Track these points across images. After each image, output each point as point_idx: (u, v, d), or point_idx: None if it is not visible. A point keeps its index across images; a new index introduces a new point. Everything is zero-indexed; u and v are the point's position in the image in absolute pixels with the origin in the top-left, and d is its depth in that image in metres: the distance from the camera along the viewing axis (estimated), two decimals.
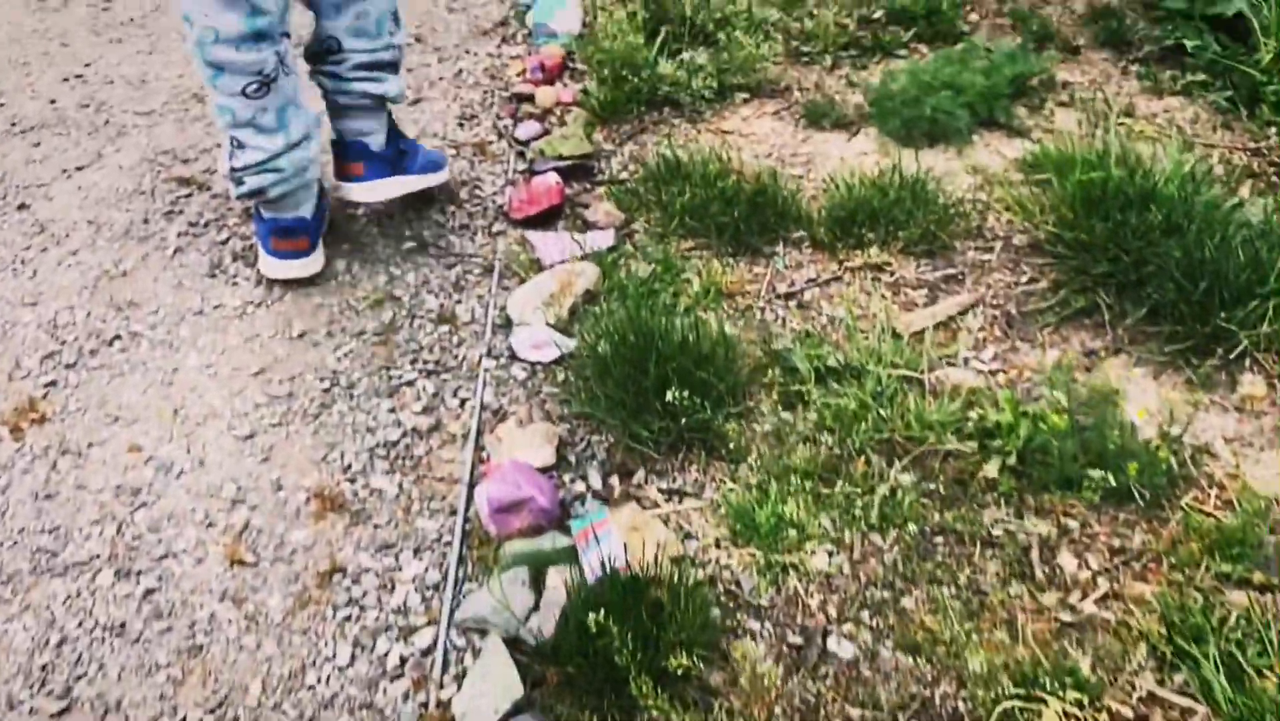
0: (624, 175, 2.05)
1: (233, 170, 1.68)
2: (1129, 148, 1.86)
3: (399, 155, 1.89)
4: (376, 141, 1.84)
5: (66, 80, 2.37)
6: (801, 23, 2.53)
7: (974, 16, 2.57)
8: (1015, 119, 2.14)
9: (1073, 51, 2.40)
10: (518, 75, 2.41)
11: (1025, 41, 2.42)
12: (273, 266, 1.75)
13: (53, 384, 1.57)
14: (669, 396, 1.38)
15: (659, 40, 2.37)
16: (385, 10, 1.79)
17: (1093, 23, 2.48)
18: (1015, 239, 1.84)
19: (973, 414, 1.43)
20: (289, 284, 1.76)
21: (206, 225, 1.89)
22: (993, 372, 1.57)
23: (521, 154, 2.12)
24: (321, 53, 1.77)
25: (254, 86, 1.63)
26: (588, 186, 2.03)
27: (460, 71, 2.43)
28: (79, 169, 2.05)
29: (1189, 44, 2.28)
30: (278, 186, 1.68)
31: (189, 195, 1.97)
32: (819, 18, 2.55)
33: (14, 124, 2.21)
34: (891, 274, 1.79)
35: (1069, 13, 2.53)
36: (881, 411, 1.45)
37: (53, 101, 2.29)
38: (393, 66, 1.82)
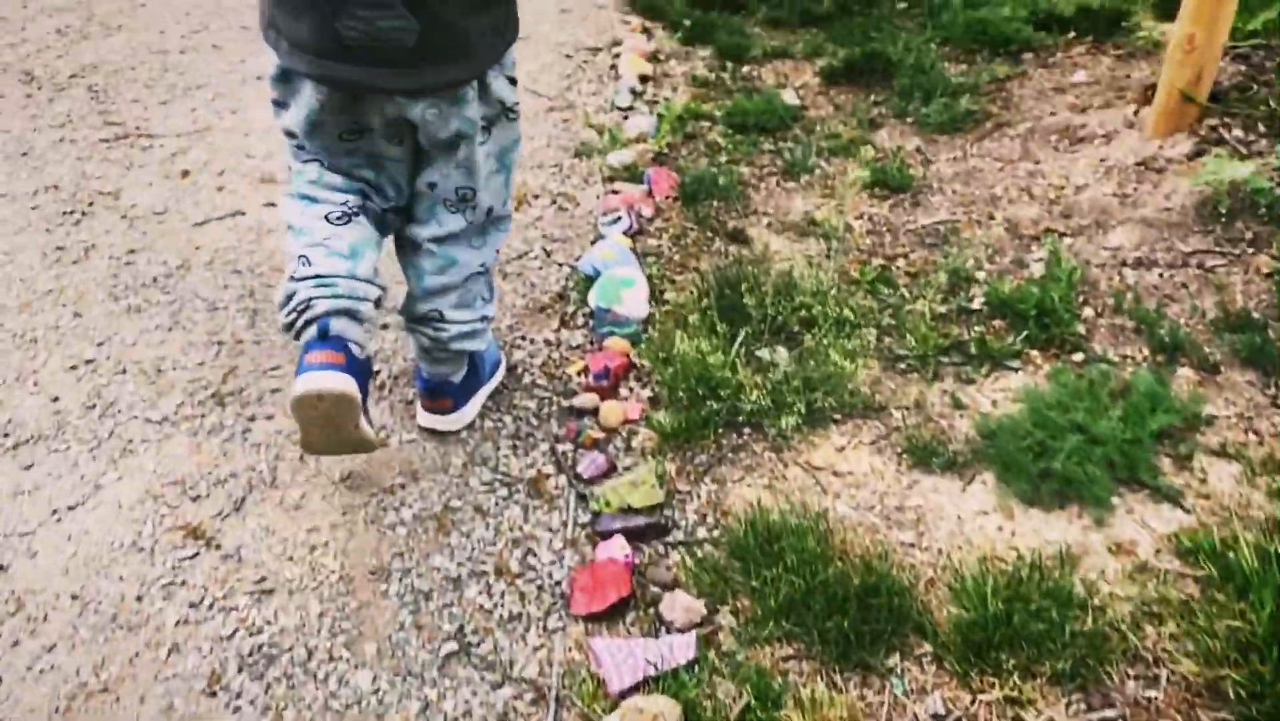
0: (702, 532, 1.75)
1: (290, 278, 1.61)
2: None
3: (473, 370, 1.98)
4: (459, 376, 1.95)
5: (74, 368, 2.12)
6: (895, 316, 2.27)
7: (1088, 311, 2.29)
8: (1161, 475, 1.84)
9: (1211, 370, 2.10)
10: (578, 375, 2.14)
11: (1154, 352, 2.14)
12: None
13: None
14: None
15: (736, 343, 2.10)
16: (484, 283, 1.89)
17: (1229, 331, 2.19)
18: (1185, 667, 1.50)
19: None
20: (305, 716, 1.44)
21: (210, 607, 1.59)
22: None
23: (583, 498, 1.83)
24: (422, 319, 1.84)
25: (338, 215, 1.64)
26: (661, 550, 1.73)
27: (516, 367, 2.17)
28: (71, 508, 1.77)
29: None
30: (325, 302, 1.56)
31: (194, 557, 1.68)
32: (913, 310, 2.28)
33: (7, 434, 1.94)
34: (1037, 712, 1.45)
35: (1199, 314, 2.25)
36: None
37: (55, 399, 2.03)
38: (486, 331, 1.94)
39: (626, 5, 4.40)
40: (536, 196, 2.87)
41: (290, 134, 1.66)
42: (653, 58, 3.86)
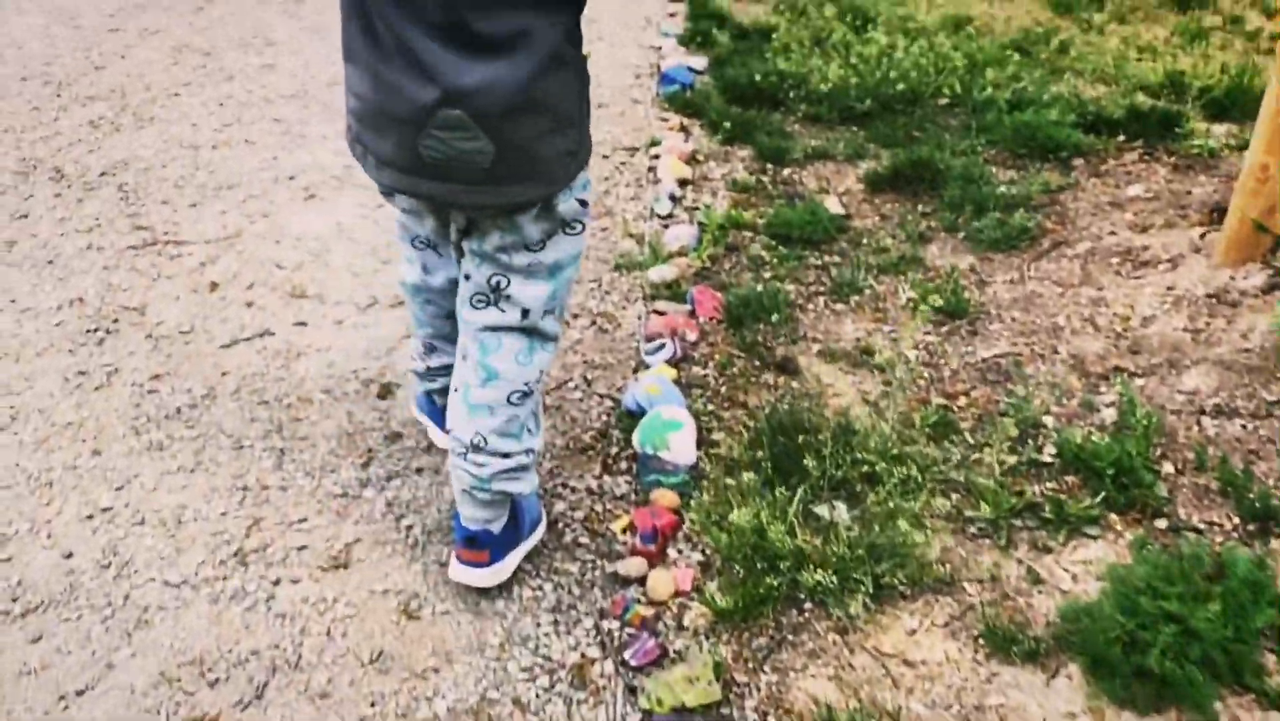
0: None
1: (428, 370, 2.06)
2: None
3: (513, 522, 1.90)
4: (499, 525, 1.86)
5: (90, 517, 2.00)
6: (961, 469, 2.12)
7: (1168, 467, 2.14)
8: (1268, 677, 1.68)
9: None
10: (623, 532, 2.01)
11: (1244, 520, 1.98)
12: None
13: None
14: None
15: (793, 503, 1.96)
16: (531, 410, 1.85)
17: None
18: None
19: None
20: None
21: None
22: None
23: (633, 691, 1.68)
24: (467, 448, 1.80)
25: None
26: None
27: (556, 522, 2.03)
28: (79, 692, 1.64)
29: None
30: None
31: None
32: (979, 461, 2.14)
33: (15, 598, 1.82)
34: None
35: None
36: None
37: (68, 556, 1.91)
38: (529, 468, 1.87)
39: (664, 101, 4.34)
40: (576, 316, 2.76)
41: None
42: (691, 159, 3.78)
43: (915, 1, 5.99)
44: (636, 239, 3.19)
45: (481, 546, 1.84)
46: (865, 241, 3.16)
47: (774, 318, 2.70)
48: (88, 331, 2.60)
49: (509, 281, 1.72)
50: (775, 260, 3.05)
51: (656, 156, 3.77)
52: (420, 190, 1.60)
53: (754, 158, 3.81)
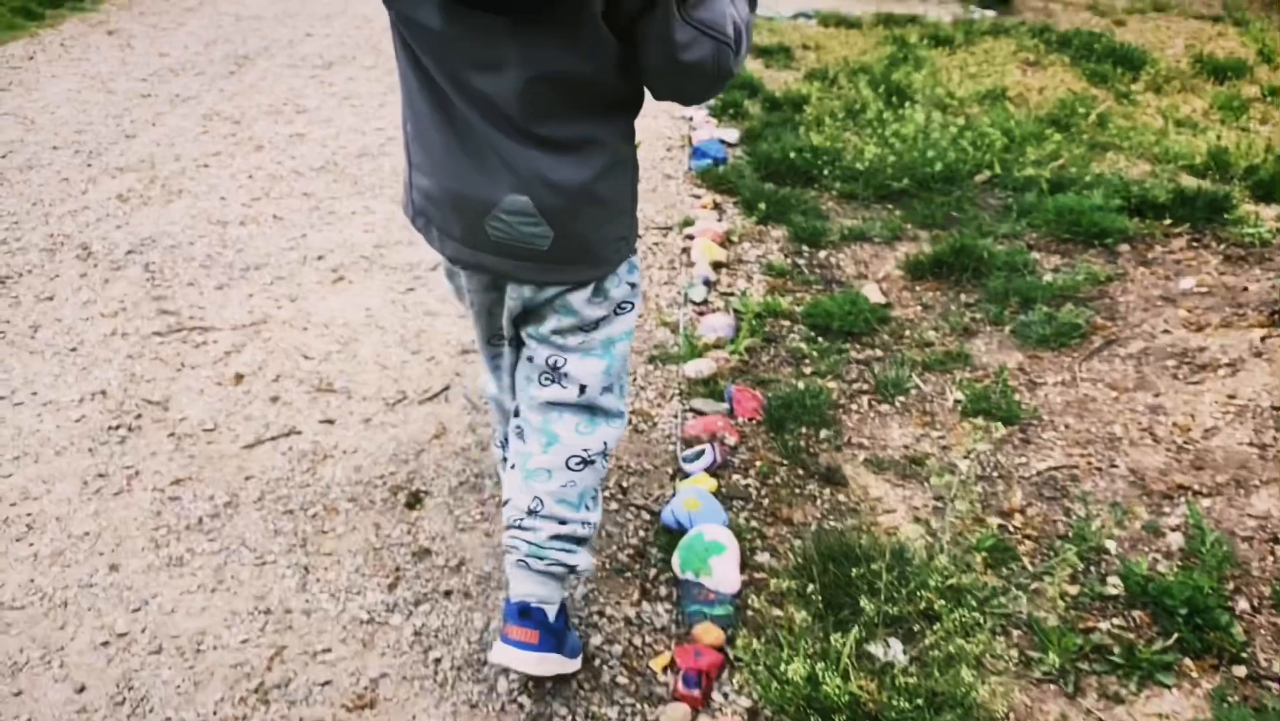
0: None
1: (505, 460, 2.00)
2: None
3: (563, 625, 1.85)
4: (553, 613, 1.81)
5: (106, 644, 1.91)
6: (1022, 601, 2.00)
7: (1242, 603, 2.02)
8: None
9: None
10: (663, 671, 1.89)
11: None
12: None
13: None
14: None
15: (847, 644, 1.84)
16: (592, 485, 1.85)
17: None
18: None
19: None
20: None
21: None
22: None
23: None
24: (522, 515, 1.81)
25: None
26: None
27: (594, 658, 1.92)
28: None
29: None
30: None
31: None
32: (1040, 592, 2.02)
33: None
34: None
35: None
36: None
37: (80, 690, 1.81)
38: (585, 541, 1.86)
39: (696, 177, 4.28)
40: None
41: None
42: (726, 239, 3.70)
43: (948, 72, 5.95)
44: (671, 327, 3.10)
45: (533, 624, 1.77)
46: (908, 334, 3.06)
47: (817, 419, 2.61)
48: (109, 429, 2.53)
49: (565, 360, 1.82)
50: (815, 354, 2.95)
51: (690, 237, 3.70)
52: (481, 263, 1.72)
53: (789, 238, 3.73)
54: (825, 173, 4.26)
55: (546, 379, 1.82)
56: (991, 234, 3.68)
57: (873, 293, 3.30)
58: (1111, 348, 2.92)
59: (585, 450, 1.82)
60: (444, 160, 1.64)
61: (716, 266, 3.52)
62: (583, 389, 1.82)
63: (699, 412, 2.68)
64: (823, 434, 2.57)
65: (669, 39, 1.51)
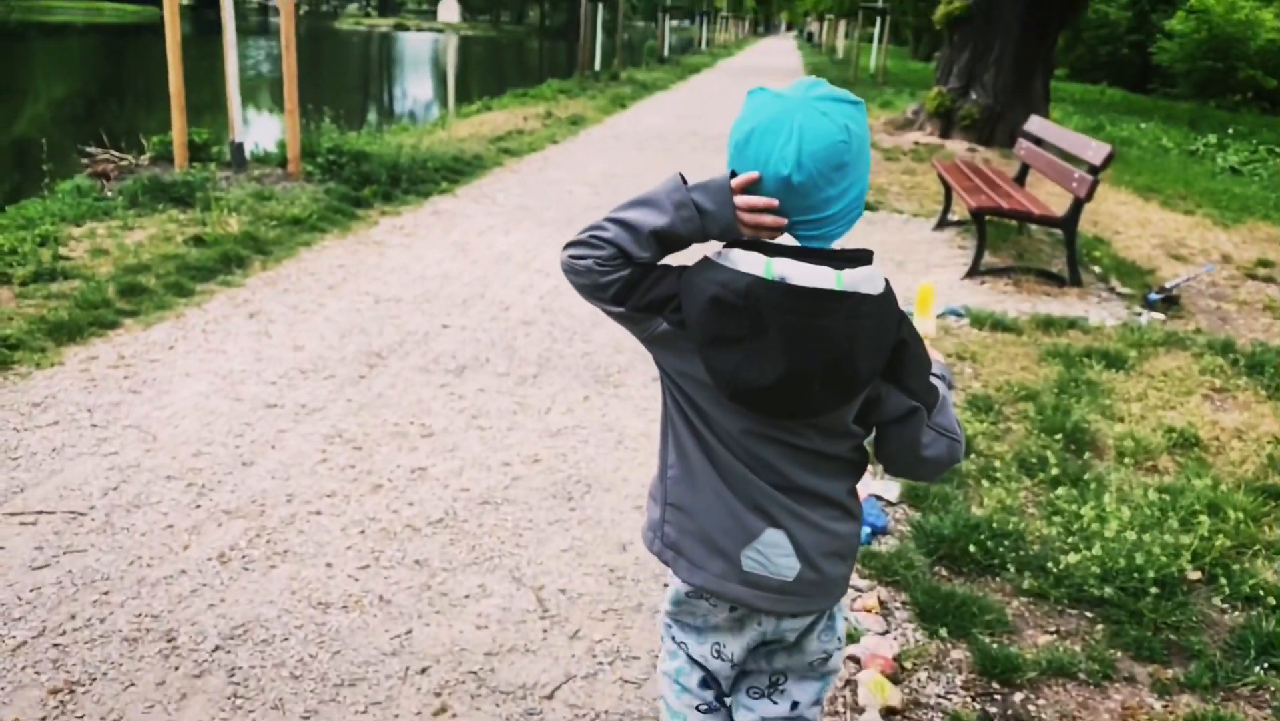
0: None
1: None
2: None
3: None
4: None
5: None
6: None
7: None
8: None
9: None
10: None
11: None
12: None
13: None
14: None
15: None
16: None
17: None
18: None
19: None
20: None
21: None
22: None
23: None
24: None
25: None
26: None
27: None
28: None
29: None
30: None
31: None
32: None
33: None
34: None
35: None
36: None
37: None
38: None
39: (858, 563, 3.74)
40: None
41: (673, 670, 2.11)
42: (898, 665, 3.11)
43: (1126, 403, 5.37)
44: None
45: None
46: None
47: None
48: None
49: (786, 678, 2.03)
50: None
51: (856, 661, 3.12)
52: (729, 593, 1.88)
53: (973, 668, 3.11)
54: (1009, 565, 3.65)
55: (757, 693, 2.04)
56: (1231, 686, 2.98)
57: None
58: None
59: None
60: (709, 503, 1.85)
61: (889, 713, 2.91)
62: (795, 705, 2.03)
63: None
64: None
65: (915, 442, 1.84)
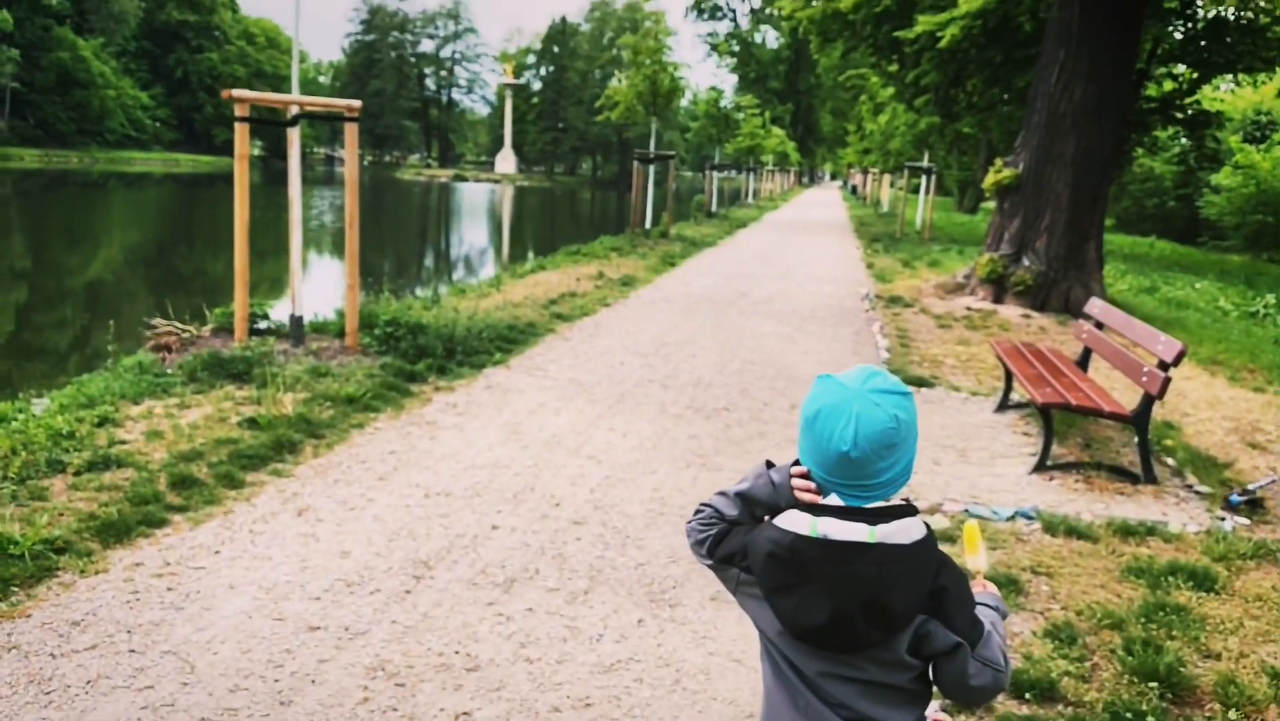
0: None
1: None
2: None
3: None
4: None
5: None
6: None
7: None
8: None
9: None
10: None
11: None
12: None
13: None
14: None
15: None
16: None
17: None
18: None
19: None
20: None
21: None
22: None
23: None
24: None
25: None
26: None
27: None
28: None
29: None
30: None
31: None
32: None
33: None
34: None
35: None
36: None
37: None
38: None
39: None
40: None
41: None
42: None
43: (1221, 634, 4.98)
44: None
45: None
46: None
47: None
48: None
49: None
50: None
51: None
52: None
53: None
54: None
55: None
56: None
57: None
58: None
59: None
60: None
61: None
62: None
63: None
64: None
65: (964, 673, 2.08)
